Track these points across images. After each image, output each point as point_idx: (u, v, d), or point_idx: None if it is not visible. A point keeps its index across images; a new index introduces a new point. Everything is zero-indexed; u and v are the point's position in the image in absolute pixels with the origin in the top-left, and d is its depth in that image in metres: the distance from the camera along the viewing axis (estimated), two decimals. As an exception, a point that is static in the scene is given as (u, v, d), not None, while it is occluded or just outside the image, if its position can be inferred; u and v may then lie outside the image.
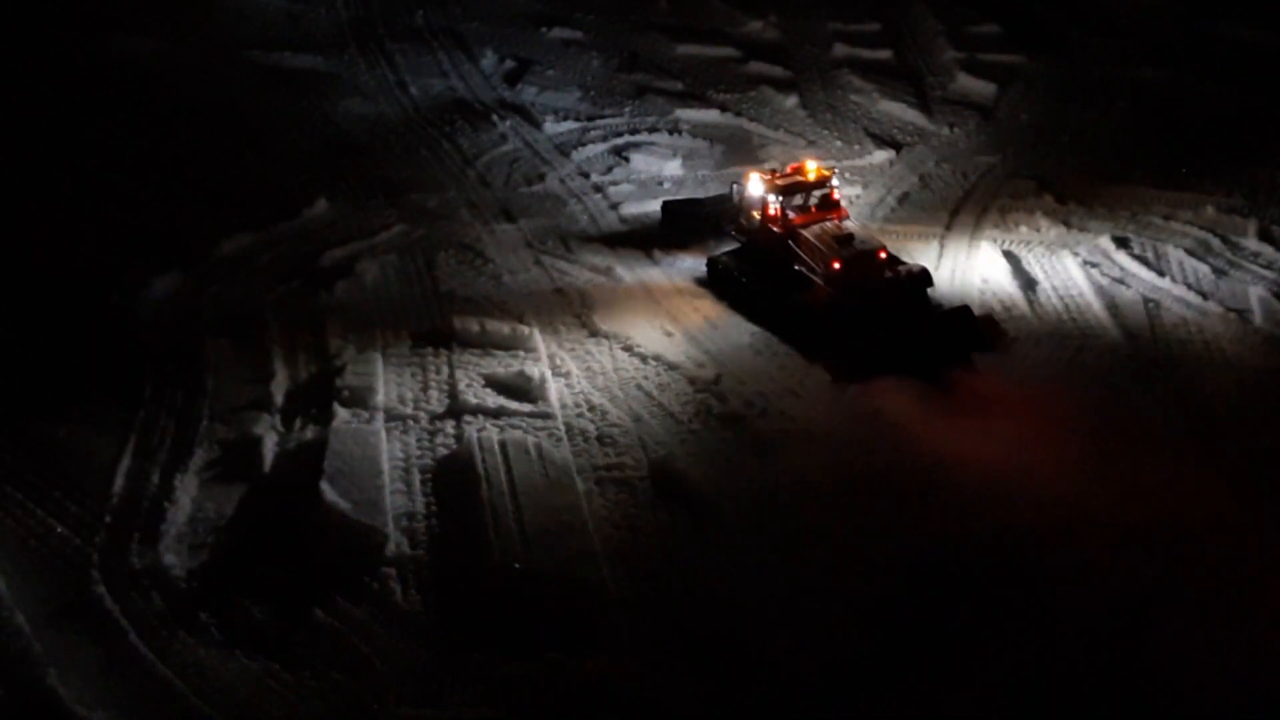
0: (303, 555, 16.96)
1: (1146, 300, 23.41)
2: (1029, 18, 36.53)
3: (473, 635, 15.76)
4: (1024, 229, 26.23)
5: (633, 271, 24.89)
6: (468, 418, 19.65)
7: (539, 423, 19.76)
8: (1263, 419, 19.94)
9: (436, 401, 20.33)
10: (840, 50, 35.37)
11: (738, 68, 34.71)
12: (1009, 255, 25.19)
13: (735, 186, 25.01)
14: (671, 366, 21.44)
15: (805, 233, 23.11)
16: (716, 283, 24.26)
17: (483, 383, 20.75)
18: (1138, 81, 33.01)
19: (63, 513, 17.83)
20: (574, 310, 23.27)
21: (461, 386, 20.53)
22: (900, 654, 15.31)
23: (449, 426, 19.63)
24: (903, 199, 28.17)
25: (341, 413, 19.66)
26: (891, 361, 20.90)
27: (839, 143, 30.84)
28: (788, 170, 24.68)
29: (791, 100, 32.83)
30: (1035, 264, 24.82)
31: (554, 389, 20.64)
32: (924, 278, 22.72)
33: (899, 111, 32.26)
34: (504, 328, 22.35)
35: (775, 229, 23.50)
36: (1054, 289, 23.85)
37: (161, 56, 33.41)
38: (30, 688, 15.02)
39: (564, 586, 16.37)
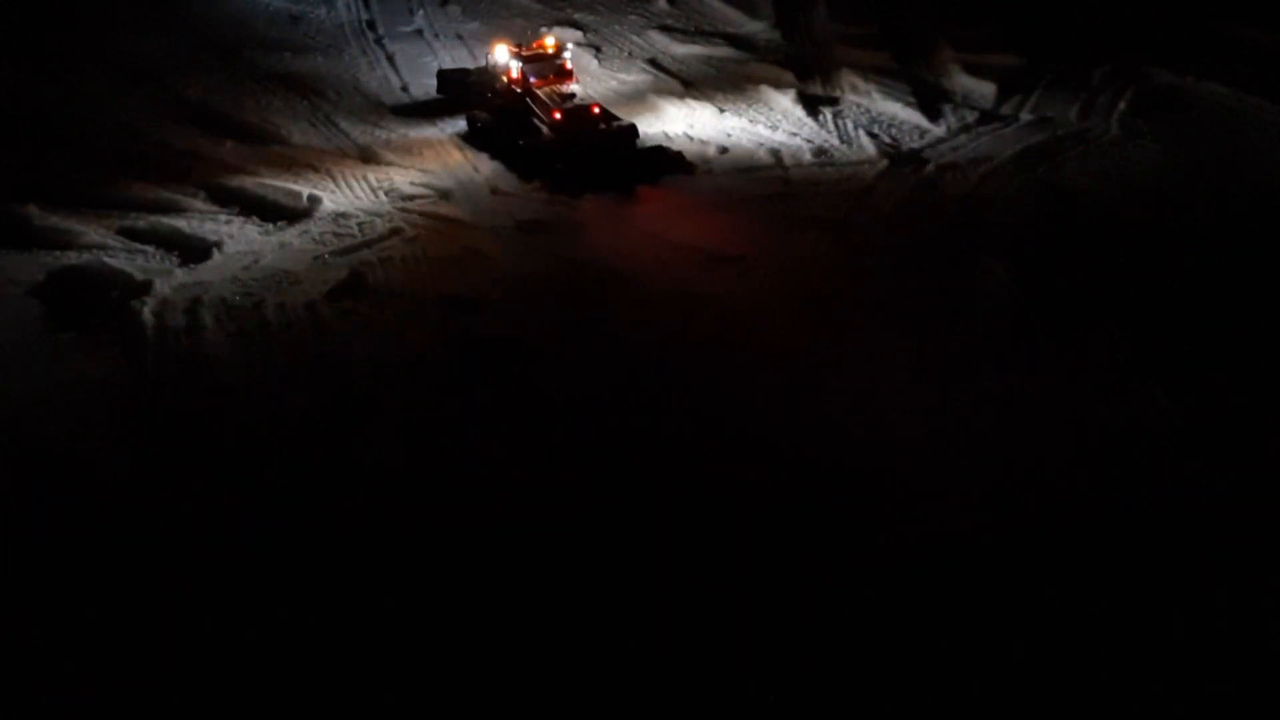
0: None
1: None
2: (1029, 18, 36.48)
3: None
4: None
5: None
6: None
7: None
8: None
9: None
10: (840, 50, 35.37)
11: (738, 68, 34.76)
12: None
13: (489, 56, 30.96)
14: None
15: (538, 91, 29.52)
16: (473, 134, 30.57)
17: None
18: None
19: (63, 513, 17.71)
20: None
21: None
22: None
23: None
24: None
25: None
26: (593, 183, 27.58)
27: (839, 142, 30.84)
28: (532, 45, 30.89)
29: (791, 100, 32.84)
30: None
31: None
32: (630, 130, 28.72)
33: (899, 111, 32.26)
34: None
35: (516, 89, 29.96)
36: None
37: (162, 57, 33.49)
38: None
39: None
